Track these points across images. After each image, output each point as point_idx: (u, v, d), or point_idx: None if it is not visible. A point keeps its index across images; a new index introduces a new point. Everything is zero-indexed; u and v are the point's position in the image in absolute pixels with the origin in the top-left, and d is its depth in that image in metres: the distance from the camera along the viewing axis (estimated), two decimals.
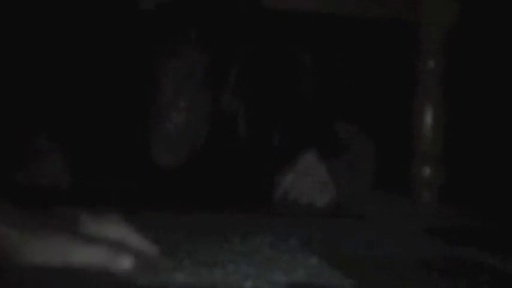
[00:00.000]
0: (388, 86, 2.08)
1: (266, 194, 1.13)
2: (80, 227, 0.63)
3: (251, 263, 0.67)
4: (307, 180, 1.10)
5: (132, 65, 1.20)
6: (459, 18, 1.21)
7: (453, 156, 1.24)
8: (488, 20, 1.88)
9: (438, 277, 0.67)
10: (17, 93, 1.34)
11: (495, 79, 1.96)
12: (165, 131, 1.17)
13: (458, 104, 1.41)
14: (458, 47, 1.29)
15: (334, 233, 0.89)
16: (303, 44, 2.07)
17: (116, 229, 0.65)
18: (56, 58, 1.36)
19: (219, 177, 1.20)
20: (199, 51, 1.15)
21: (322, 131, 1.26)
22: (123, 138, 1.21)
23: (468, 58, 1.79)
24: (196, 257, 0.68)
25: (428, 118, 1.22)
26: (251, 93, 1.18)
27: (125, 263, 0.59)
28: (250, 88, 1.18)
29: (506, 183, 1.49)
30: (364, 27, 1.72)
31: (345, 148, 1.24)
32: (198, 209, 1.03)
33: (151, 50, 1.18)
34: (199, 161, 1.20)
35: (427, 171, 1.22)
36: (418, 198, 1.23)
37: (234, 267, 0.65)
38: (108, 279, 0.60)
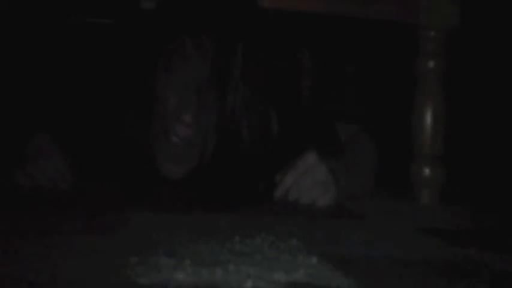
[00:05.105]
0: (389, 86, 2.08)
1: (266, 194, 1.13)
2: None
3: (251, 263, 0.67)
4: (307, 180, 1.10)
5: (136, 72, 1.19)
6: (459, 21, 1.21)
7: (453, 156, 1.24)
8: (488, 21, 1.88)
9: (438, 277, 0.67)
10: (18, 93, 1.34)
11: (495, 79, 1.96)
12: (171, 144, 1.16)
13: (458, 104, 1.41)
14: (458, 47, 1.29)
15: (334, 233, 0.89)
16: (303, 44, 2.08)
17: None
18: (61, 62, 1.36)
19: (219, 177, 1.20)
20: (199, 61, 1.15)
21: (322, 131, 1.26)
22: (124, 141, 1.21)
23: (468, 58, 1.79)
24: (197, 257, 0.68)
25: (428, 118, 1.22)
26: (252, 95, 1.18)
27: None
28: (250, 90, 1.18)
29: (506, 184, 1.49)
30: (364, 28, 1.72)
31: (345, 148, 1.24)
32: (199, 209, 1.03)
33: (154, 57, 1.17)
34: (201, 164, 1.20)
35: (427, 171, 1.22)
36: (418, 198, 1.23)
37: (234, 267, 0.65)
38: (108, 279, 0.60)
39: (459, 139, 1.48)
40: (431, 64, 1.22)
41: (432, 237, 0.90)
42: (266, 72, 1.22)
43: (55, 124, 1.21)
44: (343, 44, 2.11)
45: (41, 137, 1.17)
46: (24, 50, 1.59)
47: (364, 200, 1.18)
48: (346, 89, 2.18)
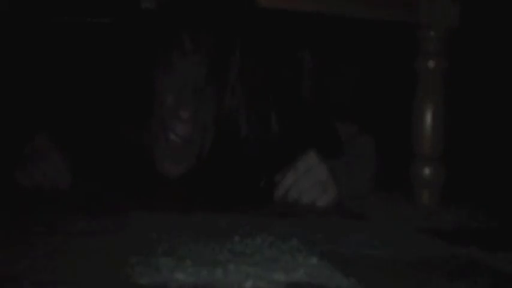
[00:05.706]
0: (389, 86, 2.09)
1: (266, 194, 1.13)
2: None
3: (251, 263, 0.67)
4: (307, 180, 1.10)
5: (134, 71, 1.19)
6: (459, 21, 1.21)
7: (453, 156, 1.24)
8: (488, 21, 1.89)
9: (438, 277, 0.68)
10: (18, 93, 1.34)
11: (495, 79, 1.97)
12: (169, 142, 1.16)
13: (458, 104, 1.41)
14: (458, 47, 1.29)
15: (334, 233, 0.89)
16: (303, 44, 2.08)
17: None
18: (60, 62, 1.36)
19: (219, 177, 1.20)
20: (198, 59, 1.15)
21: (322, 131, 1.26)
22: (123, 141, 1.21)
23: (468, 58, 1.79)
24: (197, 257, 0.68)
25: (428, 118, 1.22)
26: (251, 94, 1.18)
27: None
28: (249, 89, 1.18)
29: (506, 183, 1.49)
30: (364, 28, 1.73)
31: (345, 148, 1.24)
32: (198, 209, 1.03)
33: (153, 55, 1.17)
34: (199, 161, 1.20)
35: (427, 171, 1.22)
36: (418, 198, 1.23)
37: (234, 267, 0.65)
38: (108, 279, 0.60)
39: (459, 139, 1.48)
40: (431, 64, 1.22)
41: (432, 237, 0.90)
42: (265, 71, 1.22)
43: (55, 124, 1.21)
44: (343, 44, 2.11)
45: (41, 137, 1.17)
46: (24, 50, 1.59)
47: (364, 200, 1.18)
48: (346, 89, 2.18)
